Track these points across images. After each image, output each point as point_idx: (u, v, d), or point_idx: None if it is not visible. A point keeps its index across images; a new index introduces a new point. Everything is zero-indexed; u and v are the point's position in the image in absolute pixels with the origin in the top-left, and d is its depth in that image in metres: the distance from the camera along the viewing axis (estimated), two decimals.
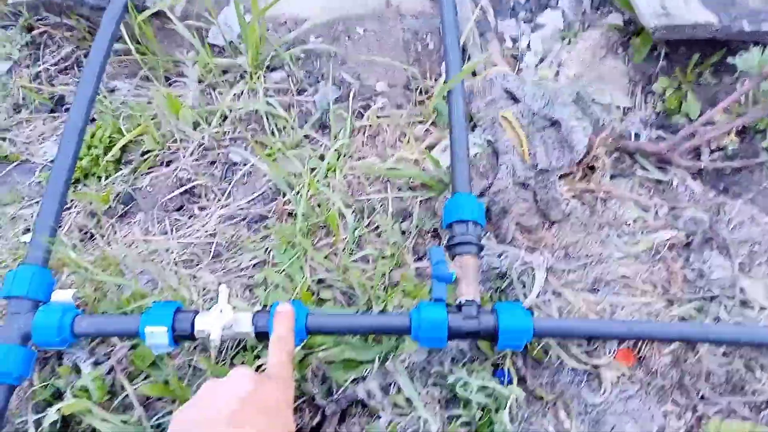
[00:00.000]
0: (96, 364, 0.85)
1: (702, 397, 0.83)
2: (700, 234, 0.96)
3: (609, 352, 0.85)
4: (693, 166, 1.07)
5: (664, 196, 1.04)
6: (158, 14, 1.20)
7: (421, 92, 1.20)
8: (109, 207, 1.06)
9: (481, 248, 0.86)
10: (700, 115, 1.13)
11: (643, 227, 0.98)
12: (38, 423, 0.81)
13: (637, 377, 0.85)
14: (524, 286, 0.92)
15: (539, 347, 0.86)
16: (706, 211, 1.00)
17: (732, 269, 0.92)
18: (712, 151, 1.10)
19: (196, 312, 0.78)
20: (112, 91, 1.23)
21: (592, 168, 1.04)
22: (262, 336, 0.78)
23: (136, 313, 0.85)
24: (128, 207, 1.07)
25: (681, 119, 1.15)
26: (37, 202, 1.08)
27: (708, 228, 0.97)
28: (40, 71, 1.26)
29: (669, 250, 0.95)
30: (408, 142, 1.12)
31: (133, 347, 0.87)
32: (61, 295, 0.81)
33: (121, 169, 1.11)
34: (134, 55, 1.15)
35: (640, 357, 0.86)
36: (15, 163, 1.15)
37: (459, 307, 0.80)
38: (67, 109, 1.23)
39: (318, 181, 1.02)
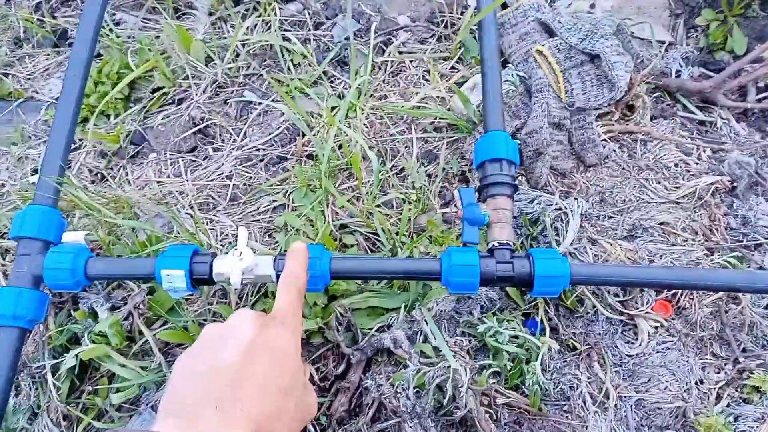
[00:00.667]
0: (113, 309, 0.82)
1: (743, 350, 0.80)
2: (745, 178, 0.91)
3: (646, 303, 0.81)
4: (738, 106, 1.00)
5: (707, 138, 0.97)
6: None
7: (446, 26, 1.12)
8: (120, 147, 1.01)
9: (515, 188, 0.80)
10: (746, 52, 1.05)
11: (685, 171, 0.93)
12: (56, 368, 0.79)
13: (675, 328, 0.81)
14: (558, 233, 0.87)
15: (573, 296, 0.83)
16: (752, 154, 0.95)
17: None
18: (759, 90, 1.03)
19: (215, 255, 0.74)
20: (118, 24, 1.16)
21: (631, 108, 0.97)
22: None
23: (152, 257, 0.82)
24: (140, 147, 1.02)
25: (726, 56, 1.07)
26: (45, 142, 1.03)
27: (754, 172, 0.92)
28: (40, 2, 1.19)
29: (712, 195, 0.90)
30: (433, 79, 1.06)
31: (151, 293, 0.84)
32: (73, 236, 0.77)
33: (130, 107, 1.05)
34: None
35: (679, 307, 0.82)
36: (19, 101, 1.09)
37: (491, 251, 0.76)
38: (71, 44, 1.16)
39: (339, 120, 0.96)
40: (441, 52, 1.10)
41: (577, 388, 0.78)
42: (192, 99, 1.04)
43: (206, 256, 0.74)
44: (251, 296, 0.86)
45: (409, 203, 0.93)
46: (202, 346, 0.52)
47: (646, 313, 0.82)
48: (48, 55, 1.15)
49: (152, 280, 0.74)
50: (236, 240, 0.76)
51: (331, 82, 1.08)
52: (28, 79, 1.12)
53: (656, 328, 0.81)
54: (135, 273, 0.75)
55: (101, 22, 0.93)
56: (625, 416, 0.77)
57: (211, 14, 1.14)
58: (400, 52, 1.11)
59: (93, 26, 0.91)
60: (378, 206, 0.93)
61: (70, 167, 0.98)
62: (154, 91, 1.06)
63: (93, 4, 0.93)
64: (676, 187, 0.91)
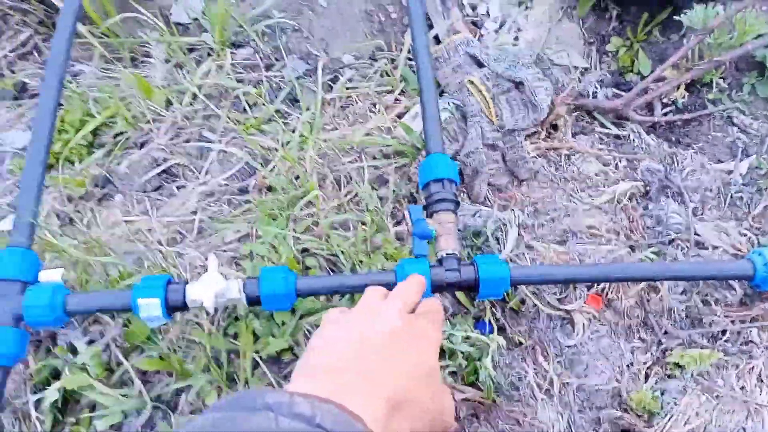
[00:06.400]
0: (90, 342, 0.86)
1: (665, 333, 0.91)
2: (656, 183, 1.03)
3: (579, 298, 0.92)
4: (647, 120, 1.14)
5: (622, 149, 1.10)
6: None
7: (387, 62, 1.22)
8: (86, 191, 1.07)
9: (457, 204, 0.90)
10: (651, 72, 1.19)
11: (605, 180, 1.05)
12: (38, 403, 0.83)
13: (606, 319, 0.91)
14: (498, 242, 0.97)
15: (516, 298, 0.92)
16: (661, 161, 1.07)
17: (686, 214, 1.00)
18: (664, 106, 1.17)
19: (187, 282, 0.80)
20: (77, 75, 1.22)
21: (555, 127, 1.09)
22: (253, 302, 0.81)
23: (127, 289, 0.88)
24: (106, 190, 1.07)
25: (634, 76, 1.22)
26: (11, 191, 1.07)
27: (663, 177, 1.04)
28: None
29: (629, 199, 1.02)
30: (379, 111, 1.16)
31: (126, 325, 0.89)
32: (49, 275, 0.81)
33: (94, 152, 1.11)
34: (88, 38, 1.13)
35: (608, 300, 0.93)
36: None
37: (440, 261, 0.84)
38: (31, 96, 1.21)
39: (292, 152, 1.04)
40: (384, 86, 1.20)
41: (525, 379, 0.87)
42: (154, 141, 1.10)
43: (179, 284, 0.80)
44: (222, 321, 0.92)
45: (364, 225, 1.01)
46: (349, 319, 0.53)
47: (581, 307, 0.92)
48: (8, 107, 1.19)
49: (129, 311, 0.80)
50: (206, 268, 0.82)
51: (285, 118, 1.16)
52: None
53: (590, 319, 0.91)
54: (112, 305, 0.80)
55: (66, 68, 1.00)
56: (569, 400, 0.86)
57: (167, 61, 1.22)
58: (347, 88, 1.20)
59: (59, 73, 0.97)
60: (335, 229, 1.01)
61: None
62: (116, 135, 1.12)
63: (58, 52, 0.99)
64: (599, 194, 1.02)
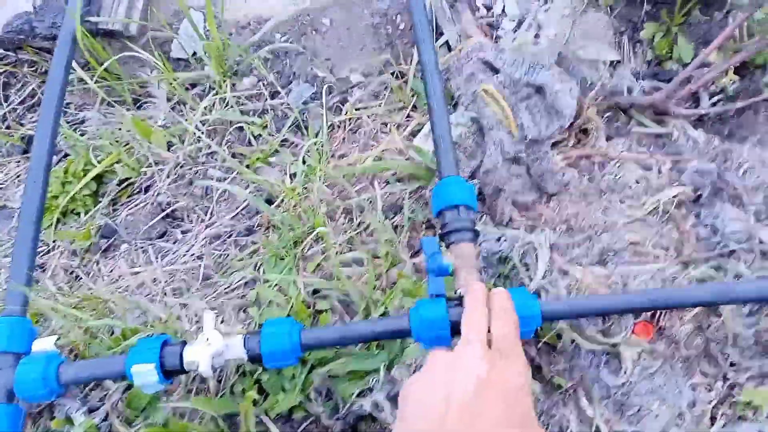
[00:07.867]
0: (91, 411, 0.81)
1: (731, 364, 0.77)
2: (708, 186, 0.90)
3: (625, 328, 0.80)
4: (693, 113, 1.00)
5: (665, 150, 0.97)
6: (114, 35, 1.15)
7: (397, 77, 1.14)
8: (92, 243, 1.03)
9: (476, 233, 0.80)
10: (694, 58, 1.06)
11: (647, 187, 0.92)
12: None
13: (659, 351, 0.79)
14: (528, 269, 0.86)
15: (552, 332, 0.81)
16: (712, 160, 0.94)
17: (747, 220, 0.86)
18: (711, 95, 1.03)
19: (185, 342, 0.74)
20: (83, 122, 1.19)
21: (585, 131, 0.98)
22: (256, 359, 0.74)
23: (124, 353, 0.82)
24: (111, 240, 1.03)
25: (674, 65, 1.08)
26: None
27: (716, 178, 0.91)
28: (6, 113, 1.22)
29: (677, 208, 0.89)
30: (390, 131, 1.07)
31: (129, 388, 0.84)
32: (43, 344, 0.77)
33: (99, 201, 1.07)
34: (89, 84, 1.10)
35: (660, 328, 0.81)
36: None
37: (460, 299, 0.75)
38: None
39: (297, 188, 0.97)
40: (395, 102, 1.12)
41: (567, 429, 0.76)
42: (157, 185, 1.06)
43: (176, 345, 0.74)
44: (231, 376, 0.85)
45: (378, 258, 0.92)
46: (432, 375, 0.53)
47: (628, 338, 0.80)
48: (18, 161, 1.18)
49: (125, 378, 0.74)
50: (203, 323, 0.76)
51: (293, 148, 1.09)
52: (0, 188, 1.15)
53: (639, 353, 0.79)
54: (106, 373, 0.75)
55: (58, 122, 0.96)
56: None
57: (169, 99, 1.17)
58: (357, 109, 1.12)
59: (50, 128, 0.94)
60: (347, 266, 0.93)
61: (44, 270, 1.00)
62: (120, 182, 1.08)
63: (48, 106, 0.96)
64: (641, 205, 0.90)
